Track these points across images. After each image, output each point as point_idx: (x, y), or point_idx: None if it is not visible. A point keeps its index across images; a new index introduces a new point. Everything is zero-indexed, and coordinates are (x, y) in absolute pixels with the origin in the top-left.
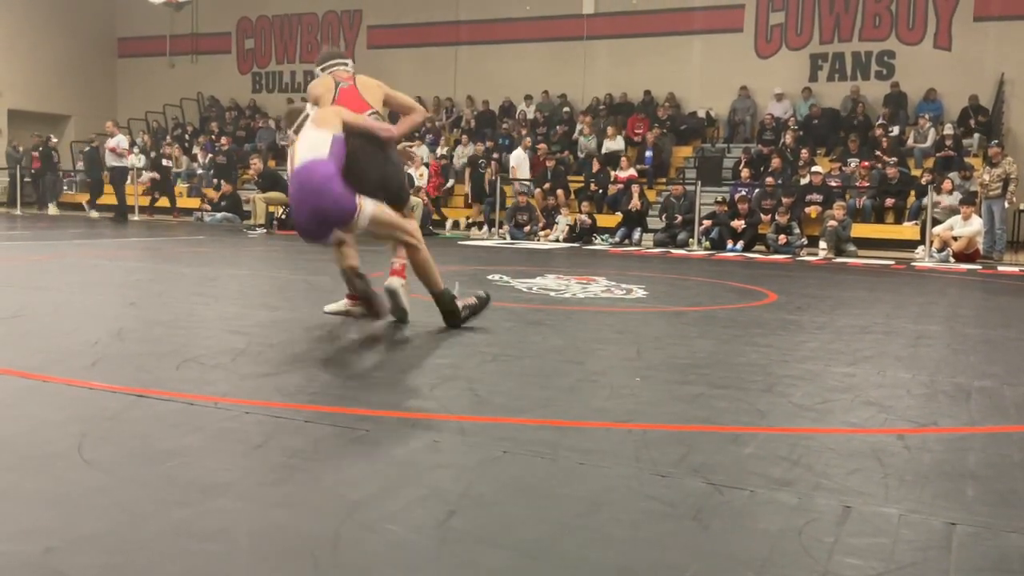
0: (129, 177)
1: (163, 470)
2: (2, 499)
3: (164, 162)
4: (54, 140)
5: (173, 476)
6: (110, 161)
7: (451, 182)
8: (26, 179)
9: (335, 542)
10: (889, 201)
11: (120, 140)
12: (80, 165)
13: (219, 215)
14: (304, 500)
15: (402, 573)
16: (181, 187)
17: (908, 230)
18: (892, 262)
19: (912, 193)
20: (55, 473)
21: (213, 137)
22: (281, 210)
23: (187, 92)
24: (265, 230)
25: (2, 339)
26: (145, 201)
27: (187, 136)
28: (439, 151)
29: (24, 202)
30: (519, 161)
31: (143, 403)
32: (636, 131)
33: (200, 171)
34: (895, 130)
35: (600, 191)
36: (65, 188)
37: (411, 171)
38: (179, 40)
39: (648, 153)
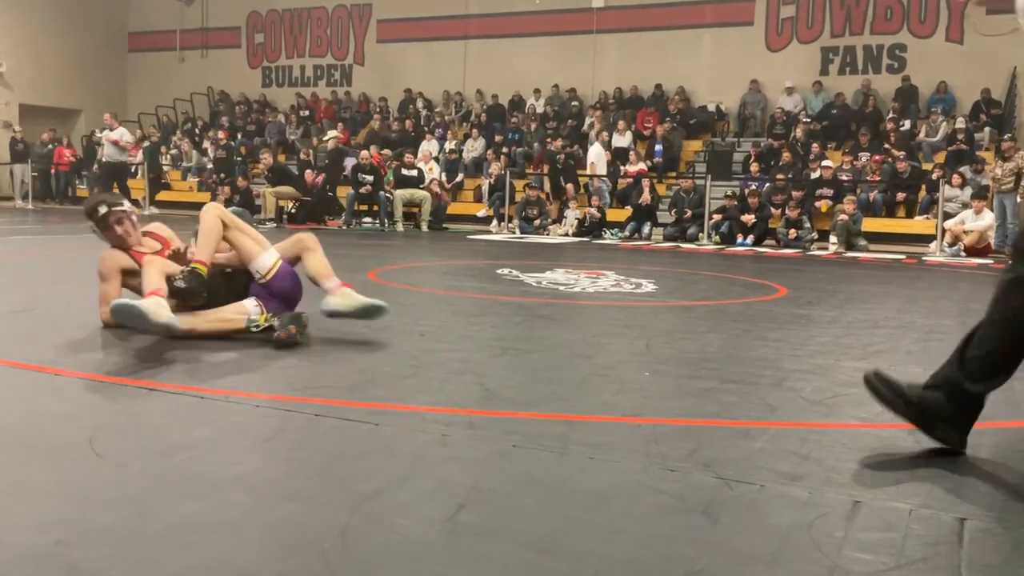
0: (139, 171)
1: (174, 463)
2: (14, 492)
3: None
4: (99, 135)
5: (184, 469)
6: (112, 155)
7: (460, 176)
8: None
9: (344, 535)
10: (900, 195)
11: (123, 133)
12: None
13: (230, 209)
14: (313, 493)
15: (411, 566)
16: (191, 181)
17: (919, 224)
18: (903, 256)
19: (923, 187)
20: (66, 466)
21: (221, 132)
22: (291, 204)
23: (197, 86)
24: (275, 224)
25: (14, 333)
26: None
27: (197, 131)
28: (448, 145)
29: (35, 196)
30: (597, 157)
31: (154, 396)
32: (646, 125)
33: (210, 165)
34: (906, 124)
35: (609, 185)
36: (79, 183)
37: (421, 165)
38: (189, 35)
39: (658, 147)
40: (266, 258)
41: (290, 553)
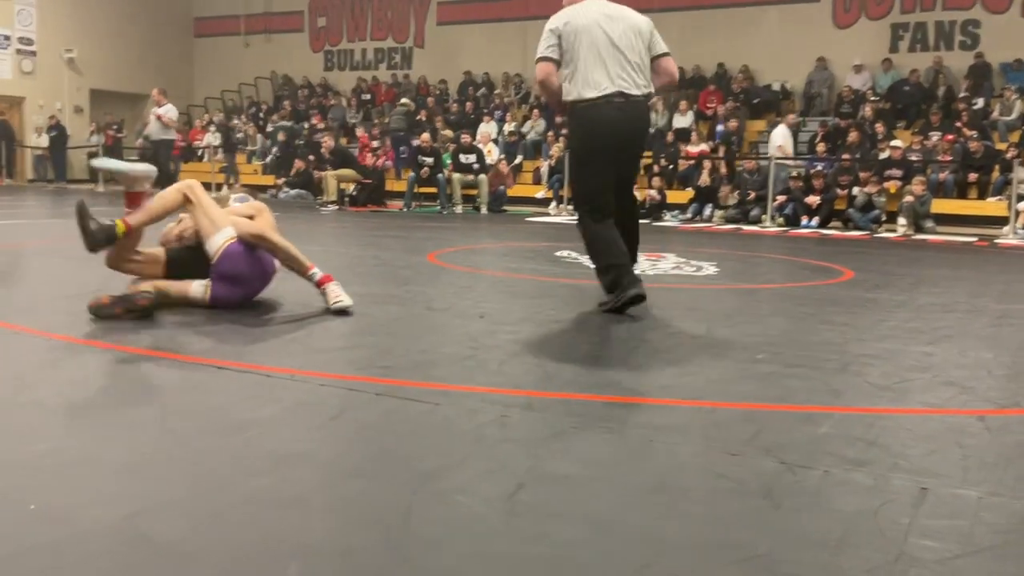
0: (204, 154)
1: (242, 440)
2: (89, 466)
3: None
4: (235, 121)
5: (251, 446)
6: (156, 132)
7: (519, 159)
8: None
9: (407, 512)
10: (972, 176)
11: (170, 109)
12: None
13: (292, 192)
14: (376, 471)
15: (472, 544)
16: (256, 164)
17: (991, 206)
18: (975, 239)
19: (996, 168)
20: (138, 441)
21: (315, 117)
22: (352, 187)
23: (261, 71)
24: (337, 207)
25: (87, 314)
26: (221, 179)
27: (261, 114)
28: (507, 127)
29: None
30: (784, 139)
31: (222, 375)
32: (708, 105)
33: (275, 149)
34: (979, 102)
35: (671, 167)
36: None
37: (480, 147)
38: (253, 19)
39: (720, 127)
40: (216, 239)
41: (355, 529)
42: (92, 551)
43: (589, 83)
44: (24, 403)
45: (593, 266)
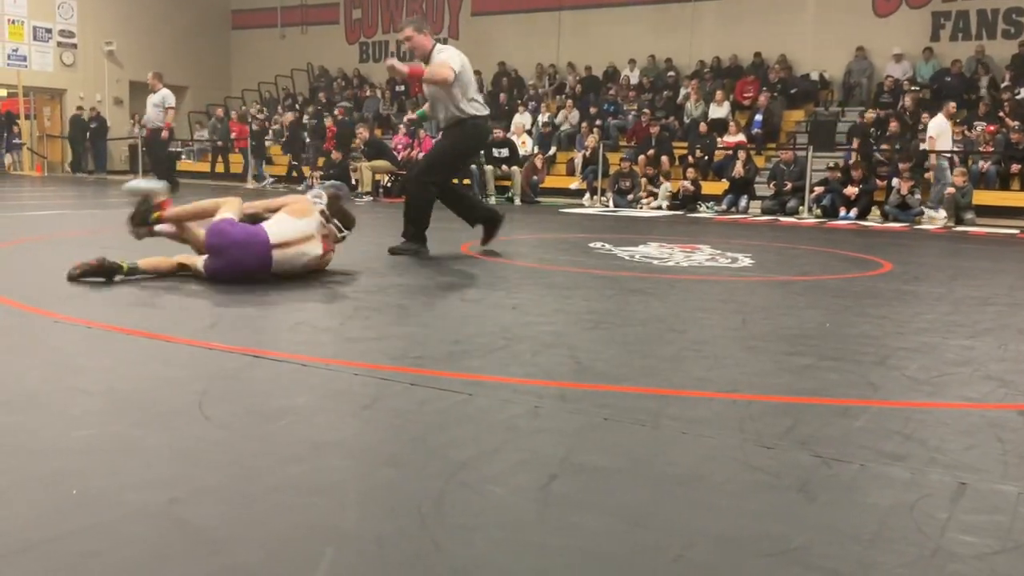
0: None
1: (278, 427)
2: (129, 452)
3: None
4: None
5: (287, 433)
6: (154, 120)
7: (553, 150)
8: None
9: (440, 501)
10: (1014, 167)
11: (166, 97)
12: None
13: (327, 184)
14: (410, 460)
15: (505, 533)
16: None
17: None
18: (1016, 231)
19: None
20: (177, 428)
21: (321, 107)
22: (387, 178)
23: (297, 63)
24: (372, 198)
25: (128, 302)
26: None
27: (298, 106)
28: (541, 118)
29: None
30: (941, 130)
31: (259, 363)
32: (745, 95)
33: (309, 140)
34: (1021, 92)
35: (705, 157)
36: (184, 157)
37: (514, 138)
38: (289, 11)
39: (757, 117)
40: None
41: (389, 516)
42: (131, 535)
43: (478, 105)
44: (66, 390)
45: (411, 217)
